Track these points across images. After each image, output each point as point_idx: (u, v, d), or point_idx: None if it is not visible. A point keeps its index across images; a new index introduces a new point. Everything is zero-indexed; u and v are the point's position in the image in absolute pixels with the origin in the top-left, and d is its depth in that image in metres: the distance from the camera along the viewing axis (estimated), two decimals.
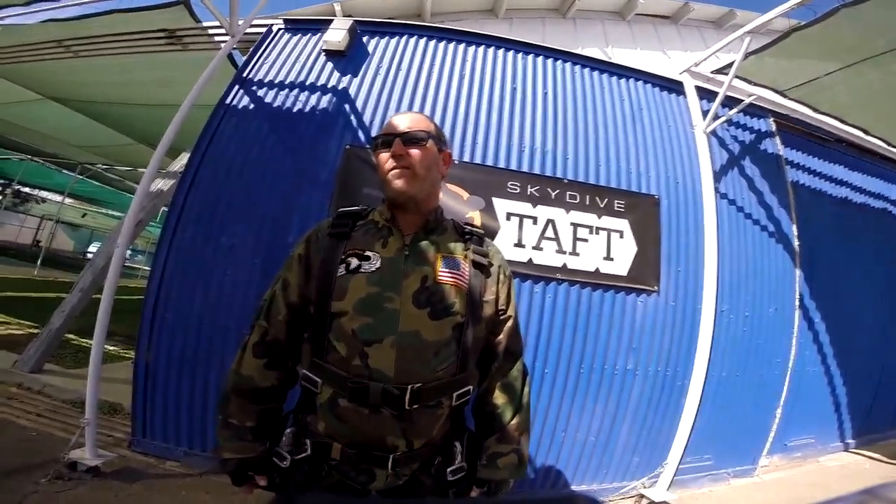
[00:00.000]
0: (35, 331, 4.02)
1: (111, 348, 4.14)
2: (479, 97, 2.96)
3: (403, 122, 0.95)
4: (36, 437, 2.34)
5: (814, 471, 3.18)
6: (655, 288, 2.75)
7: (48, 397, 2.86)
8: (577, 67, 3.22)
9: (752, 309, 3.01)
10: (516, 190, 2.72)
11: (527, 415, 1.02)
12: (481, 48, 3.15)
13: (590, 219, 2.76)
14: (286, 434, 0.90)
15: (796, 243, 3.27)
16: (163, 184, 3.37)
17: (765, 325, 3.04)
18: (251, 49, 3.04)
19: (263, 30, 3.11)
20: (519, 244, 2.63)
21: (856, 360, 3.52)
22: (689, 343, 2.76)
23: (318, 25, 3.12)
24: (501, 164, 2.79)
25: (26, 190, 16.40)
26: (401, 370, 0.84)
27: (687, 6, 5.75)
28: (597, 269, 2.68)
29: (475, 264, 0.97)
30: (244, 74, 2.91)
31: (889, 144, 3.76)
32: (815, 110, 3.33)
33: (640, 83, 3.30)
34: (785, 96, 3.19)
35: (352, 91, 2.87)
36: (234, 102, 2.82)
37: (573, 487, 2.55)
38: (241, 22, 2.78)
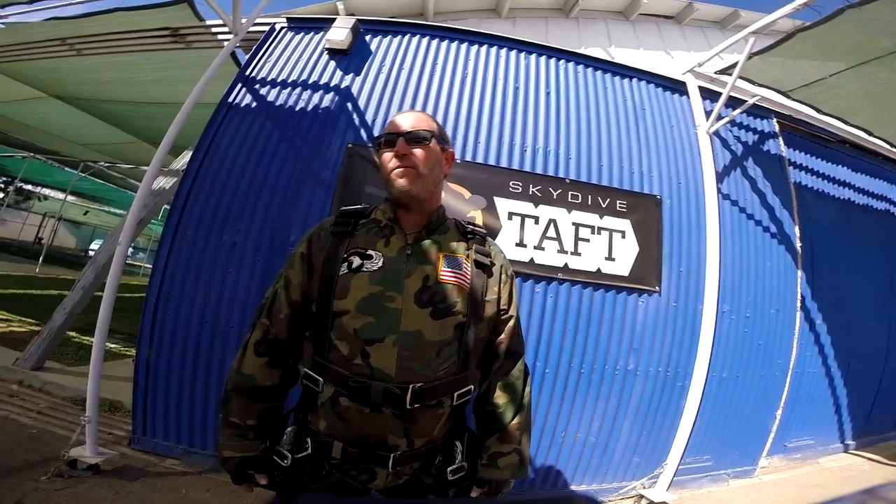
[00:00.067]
0: (36, 328, 4.04)
1: (112, 346, 4.15)
2: (481, 96, 2.95)
3: (407, 121, 0.95)
4: (36, 435, 2.34)
5: (814, 472, 3.18)
6: (657, 288, 2.75)
7: (49, 395, 2.86)
8: (580, 67, 3.21)
9: (754, 310, 3.00)
10: (518, 189, 2.71)
11: (528, 415, 1.02)
12: (484, 47, 3.15)
13: (592, 219, 2.75)
14: (287, 433, 0.91)
15: (798, 244, 3.26)
16: (165, 182, 3.38)
17: (766, 326, 3.03)
18: (254, 47, 3.04)
19: (266, 28, 3.11)
20: (520, 244, 2.63)
21: (857, 361, 3.51)
22: (690, 344, 2.75)
23: (321, 24, 3.11)
24: (503, 164, 2.78)
25: (29, 187, 16.45)
26: (402, 369, 0.84)
27: (691, 6, 5.73)
28: (598, 270, 2.68)
29: (477, 264, 0.97)
30: (247, 73, 2.91)
31: (892, 146, 3.74)
32: (819, 111, 3.31)
33: (643, 83, 3.29)
34: (788, 97, 3.18)
35: (354, 90, 2.87)
36: (237, 101, 2.82)
37: (573, 487, 2.55)
38: (244, 20, 2.78)
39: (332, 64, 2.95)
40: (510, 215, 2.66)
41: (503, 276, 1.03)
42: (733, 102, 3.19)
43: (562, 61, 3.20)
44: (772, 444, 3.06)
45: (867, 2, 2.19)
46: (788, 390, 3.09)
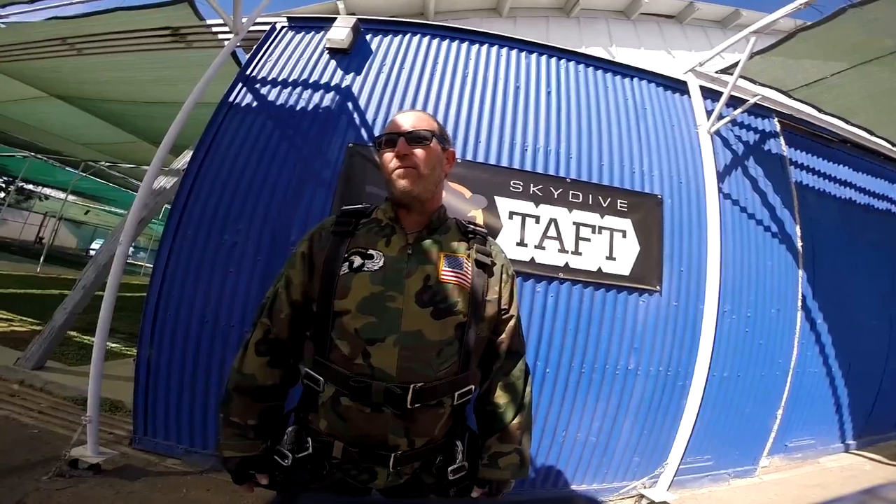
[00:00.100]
0: (37, 328, 4.04)
1: (113, 346, 4.16)
2: (482, 96, 2.95)
3: (407, 120, 0.95)
4: (37, 435, 2.34)
5: (814, 472, 3.18)
6: (658, 288, 2.75)
7: (50, 394, 2.87)
8: (581, 66, 3.21)
9: (755, 310, 3.00)
10: (519, 189, 2.71)
11: (528, 414, 1.02)
12: (484, 47, 3.14)
13: (592, 218, 2.75)
14: (288, 432, 0.91)
15: (800, 244, 3.26)
16: (166, 181, 3.38)
17: (767, 325, 3.03)
18: (255, 47, 3.04)
19: (267, 28, 3.10)
20: (521, 243, 2.62)
21: (858, 361, 3.51)
22: (690, 343, 2.75)
23: (321, 23, 3.11)
24: (504, 163, 2.78)
25: (30, 187, 16.46)
26: (403, 369, 0.84)
27: (692, 6, 5.73)
28: (599, 269, 2.68)
29: (478, 263, 0.97)
30: (247, 72, 2.91)
31: (894, 145, 3.74)
32: (820, 111, 3.31)
33: (644, 83, 3.29)
34: (790, 96, 3.17)
35: (355, 89, 2.87)
36: (238, 100, 2.82)
37: (573, 487, 2.55)
38: (244, 20, 2.78)
39: (333, 63, 2.95)
40: (511, 215, 2.66)
41: (504, 276, 1.03)
42: (734, 102, 3.18)
43: (562, 61, 3.20)
44: (772, 444, 3.06)
45: (868, 1, 2.18)
46: (789, 390, 3.08)
